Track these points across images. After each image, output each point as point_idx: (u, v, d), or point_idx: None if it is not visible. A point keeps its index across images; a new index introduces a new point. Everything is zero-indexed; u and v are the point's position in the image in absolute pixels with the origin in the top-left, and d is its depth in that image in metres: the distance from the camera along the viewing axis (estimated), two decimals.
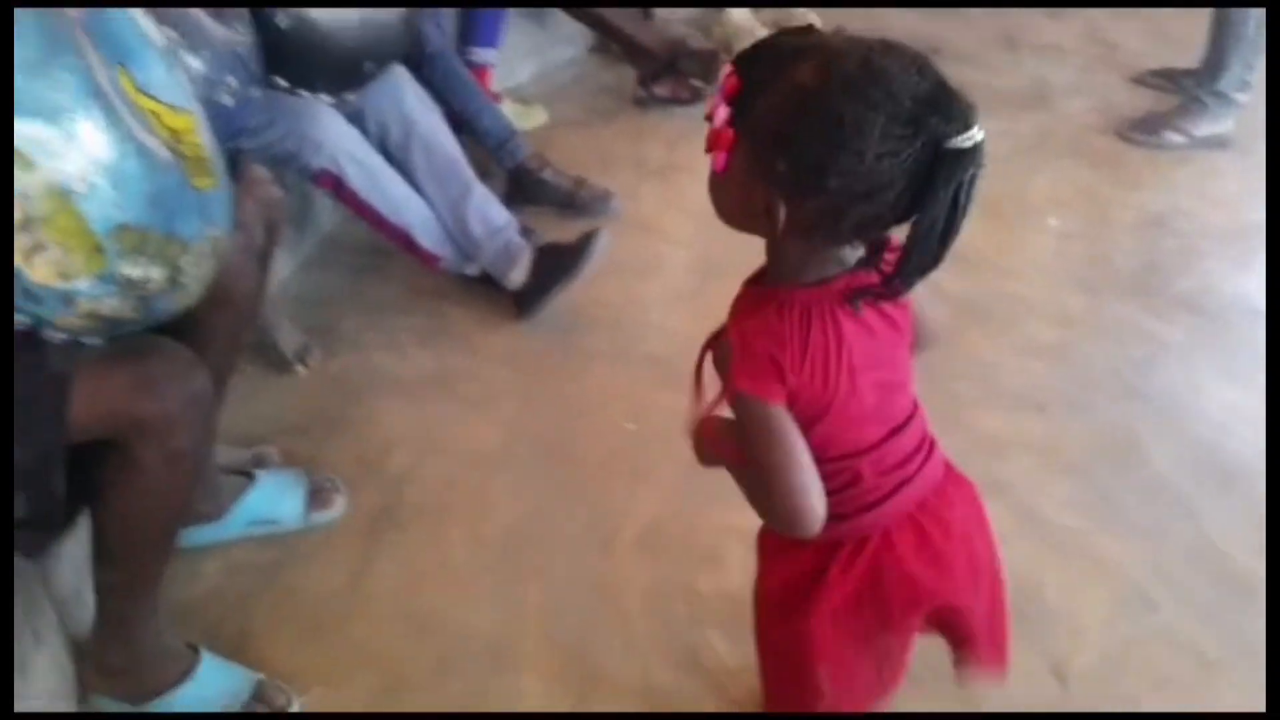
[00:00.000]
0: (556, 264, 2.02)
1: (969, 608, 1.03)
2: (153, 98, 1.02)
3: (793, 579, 1.02)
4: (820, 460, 0.93)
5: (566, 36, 3.15)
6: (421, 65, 2.31)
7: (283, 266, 2.24)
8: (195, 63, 1.37)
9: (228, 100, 1.43)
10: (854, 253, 0.92)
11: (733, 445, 0.99)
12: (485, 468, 1.75)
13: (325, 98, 1.83)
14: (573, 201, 2.41)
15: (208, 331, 1.36)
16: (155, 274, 0.99)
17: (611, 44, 3.01)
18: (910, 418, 1.00)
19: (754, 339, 0.91)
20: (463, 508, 1.68)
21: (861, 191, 0.81)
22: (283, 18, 1.64)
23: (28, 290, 0.93)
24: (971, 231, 2.43)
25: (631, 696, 1.39)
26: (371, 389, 1.94)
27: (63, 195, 0.89)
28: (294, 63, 1.71)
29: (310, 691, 1.38)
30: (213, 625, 1.47)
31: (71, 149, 0.89)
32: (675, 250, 2.35)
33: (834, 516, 0.95)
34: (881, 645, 1.04)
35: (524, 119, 2.85)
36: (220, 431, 1.74)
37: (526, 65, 3.13)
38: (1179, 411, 1.88)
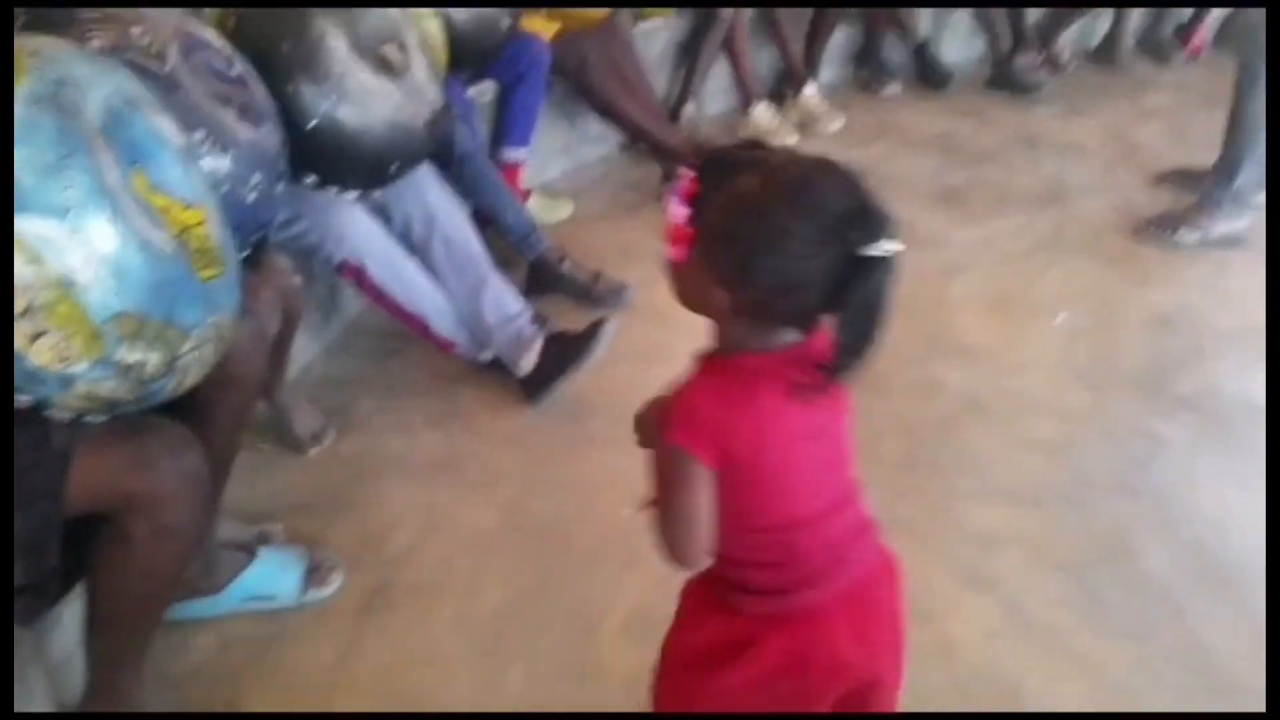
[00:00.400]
0: (564, 352, 2.09)
1: (889, 683, 1.09)
2: (165, 195, 1.12)
3: (719, 642, 1.06)
4: (757, 530, 1.01)
5: (597, 136, 3.29)
6: (451, 165, 2.44)
7: (307, 350, 2.34)
8: (222, 161, 1.49)
9: (251, 197, 1.54)
10: (794, 333, 0.99)
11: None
12: (480, 549, 1.80)
13: (350, 194, 1.95)
14: (589, 293, 2.49)
15: (212, 411, 1.45)
16: (153, 358, 1.08)
17: (639, 143, 3.14)
18: (850, 496, 1.07)
19: (696, 401, 0.99)
20: (455, 588, 1.72)
21: (785, 287, 0.93)
22: (311, 119, 1.77)
23: (30, 373, 1.02)
24: (978, 326, 2.48)
25: None
26: (379, 470, 2.01)
27: (65, 286, 0.98)
28: (322, 162, 1.84)
29: None
30: (204, 697, 1.52)
31: (76, 243, 0.98)
32: (683, 340, 2.34)
33: (770, 591, 1.02)
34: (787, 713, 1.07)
35: (550, 212, 2.97)
36: (228, 507, 1.83)
37: (557, 162, 3.26)
38: (1176, 511, 1.87)
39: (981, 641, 1.63)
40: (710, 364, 1.03)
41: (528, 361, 2.11)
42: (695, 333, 2.45)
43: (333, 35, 1.76)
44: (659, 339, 2.40)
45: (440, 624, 1.66)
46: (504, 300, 2.12)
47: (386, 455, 2.05)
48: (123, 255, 1.02)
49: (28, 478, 1.12)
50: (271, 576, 1.68)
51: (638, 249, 2.81)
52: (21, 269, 0.96)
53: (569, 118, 3.21)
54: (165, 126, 1.15)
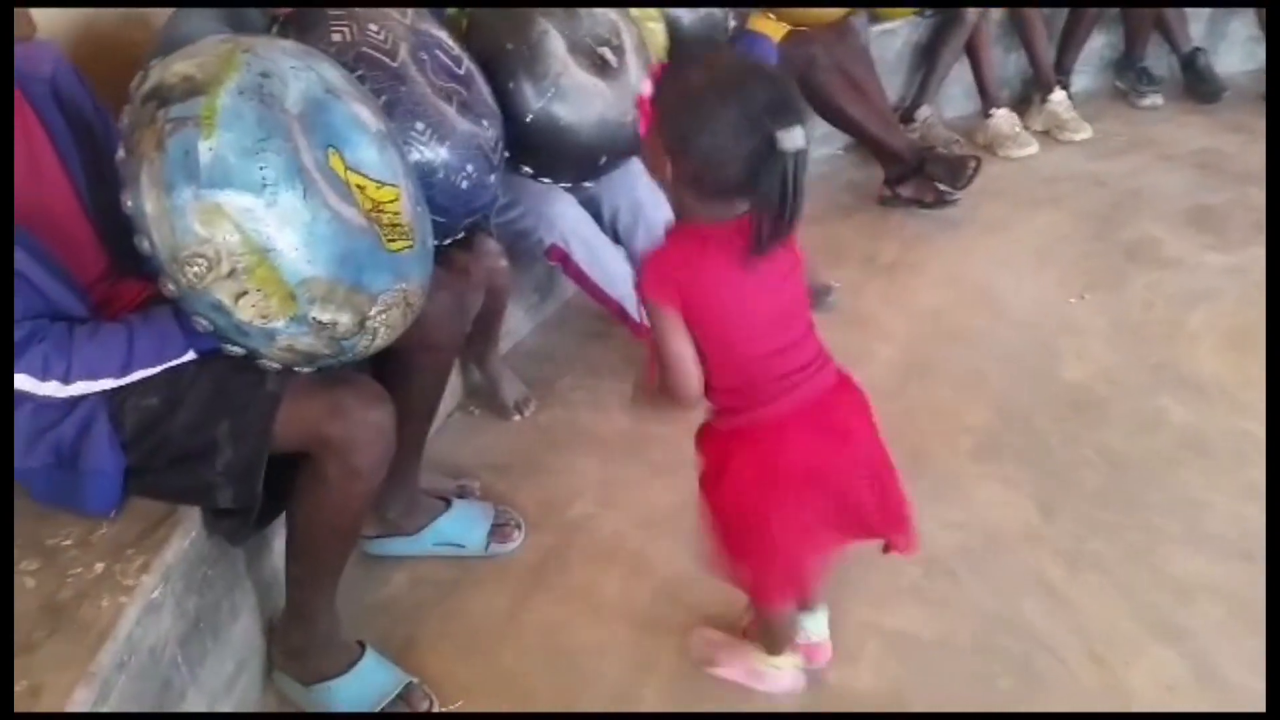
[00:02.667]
0: None
1: (859, 500, 1.31)
2: (360, 174, 1.26)
3: (714, 463, 1.33)
4: (721, 361, 1.25)
5: (822, 135, 3.26)
6: None
7: (521, 325, 2.51)
8: (439, 151, 1.64)
9: (464, 185, 1.69)
10: (740, 206, 1.18)
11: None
12: (652, 528, 1.87)
13: (564, 185, 2.07)
14: None
15: (412, 371, 1.61)
16: (343, 318, 1.22)
17: (864, 145, 3.10)
18: (802, 338, 1.29)
19: (659, 260, 1.23)
20: (623, 561, 1.81)
21: (712, 161, 1.14)
22: (528, 113, 1.90)
23: (238, 327, 1.18)
24: (1214, 359, 2.32)
25: None
26: (572, 442, 2.13)
27: (262, 251, 1.13)
28: (537, 154, 1.97)
29: (453, 702, 1.55)
30: (387, 628, 1.69)
31: (271, 215, 1.13)
32: (884, 347, 2.37)
33: (737, 409, 1.28)
34: (786, 518, 1.29)
35: None
36: (436, 460, 2.02)
37: None
38: None
39: (1160, 695, 1.52)
40: (672, 232, 1.26)
41: None
42: (895, 339, 2.44)
43: (553, 36, 1.88)
44: (857, 344, 2.39)
45: (606, 592, 1.75)
46: None
47: (580, 429, 2.17)
48: (313, 226, 1.16)
49: (244, 414, 1.30)
50: (462, 526, 1.83)
51: (847, 251, 2.79)
52: (226, 236, 1.12)
53: None
54: (363, 114, 1.29)
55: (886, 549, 1.39)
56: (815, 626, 1.57)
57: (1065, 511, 1.86)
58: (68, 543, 1.33)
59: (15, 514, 1.34)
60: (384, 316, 1.27)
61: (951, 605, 1.68)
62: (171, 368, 1.29)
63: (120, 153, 1.18)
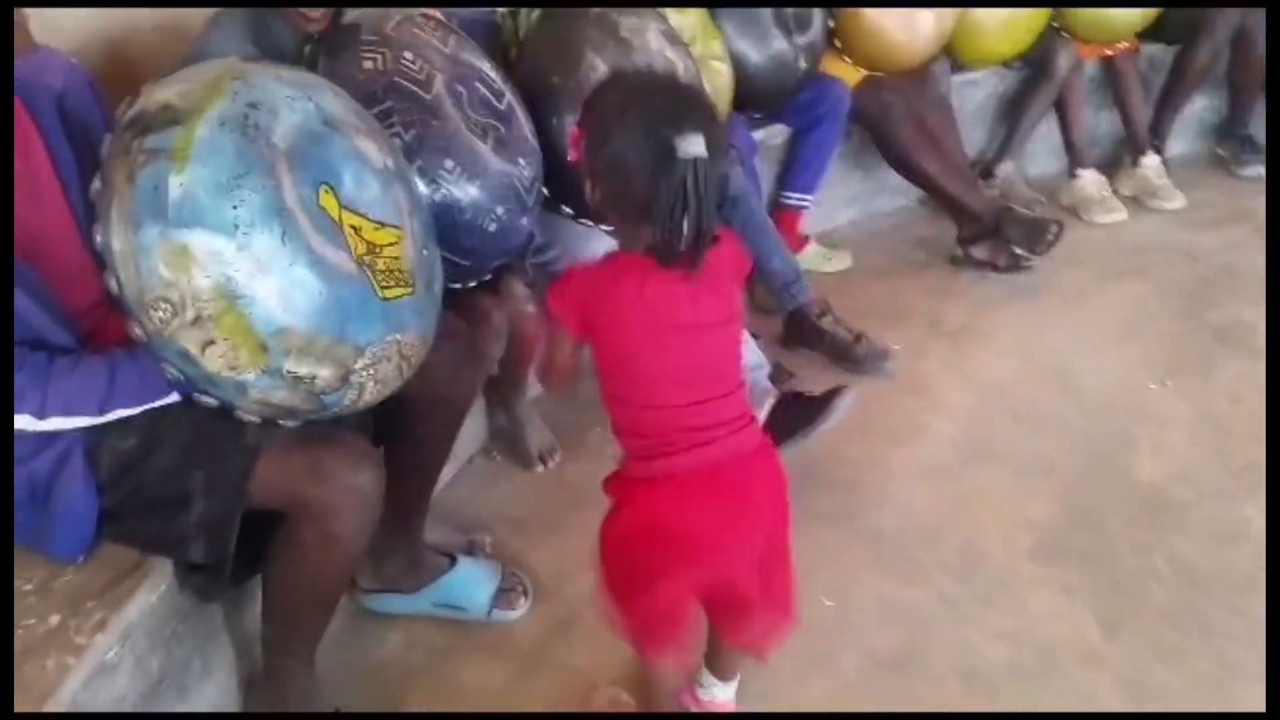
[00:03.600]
0: (796, 415, 1.97)
1: (736, 578, 1.23)
2: (357, 213, 1.16)
3: (615, 499, 1.30)
4: (619, 400, 1.23)
5: (895, 187, 3.10)
6: (723, 205, 2.40)
7: None
8: (469, 190, 1.54)
9: (493, 227, 1.58)
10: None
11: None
12: None
13: (605, 228, 1.96)
14: (847, 354, 2.35)
15: (417, 426, 1.51)
16: (324, 373, 1.11)
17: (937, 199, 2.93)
18: (728, 394, 1.22)
19: (572, 278, 1.21)
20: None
21: (619, 177, 1.13)
22: (571, 152, 1.79)
23: (207, 377, 1.08)
24: None
25: None
26: (595, 502, 1.96)
27: (230, 298, 1.03)
28: (578, 194, 1.85)
29: None
30: (374, 694, 1.58)
31: (243, 259, 1.02)
32: (943, 422, 2.20)
33: (637, 456, 1.24)
34: (651, 586, 1.22)
35: (827, 262, 2.85)
36: (448, 508, 1.91)
37: (845, 211, 3.13)
38: None
39: None
40: (601, 258, 1.23)
41: (759, 416, 2.01)
42: (955, 414, 2.26)
43: (603, 72, 1.76)
44: (913, 415, 2.23)
45: (610, 678, 1.61)
46: (744, 350, 2.03)
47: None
48: (291, 272, 1.05)
49: (219, 465, 1.20)
50: (465, 588, 1.71)
51: (912, 312, 2.62)
52: (192, 280, 1.02)
53: (864, 167, 3.06)
54: (367, 148, 1.19)
55: (721, 634, 1.37)
56: (723, 694, 1.48)
57: (1129, 630, 1.67)
58: (28, 587, 1.24)
59: None
60: (372, 371, 1.16)
61: None
62: (153, 409, 1.20)
63: (95, 183, 1.09)
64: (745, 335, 2.10)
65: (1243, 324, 2.52)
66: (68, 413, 1.17)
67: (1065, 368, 2.39)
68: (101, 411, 1.18)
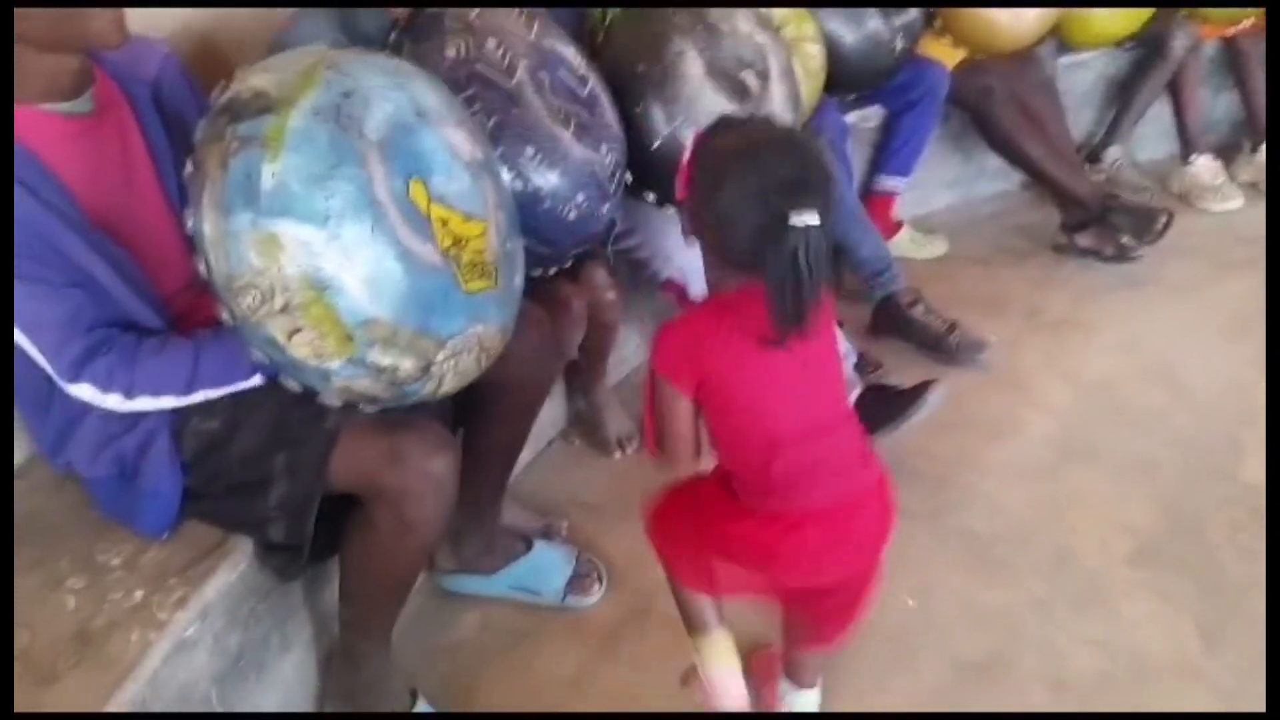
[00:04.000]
0: (883, 407, 1.92)
1: (820, 605, 1.27)
2: (446, 206, 1.15)
3: (714, 503, 1.25)
4: (740, 445, 1.20)
5: (995, 171, 2.99)
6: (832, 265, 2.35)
7: (639, 354, 2.38)
8: (549, 178, 1.53)
9: (572, 215, 1.57)
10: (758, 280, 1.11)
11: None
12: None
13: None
14: (939, 345, 2.28)
15: (494, 411, 1.51)
16: (405, 364, 1.11)
17: (1041, 185, 2.81)
18: (836, 423, 1.21)
19: (677, 332, 1.19)
20: None
21: (721, 227, 1.12)
22: (656, 140, 1.76)
23: (293, 363, 1.09)
24: None
25: None
26: None
27: (318, 288, 1.03)
28: (662, 181, 1.83)
29: None
30: (449, 673, 1.60)
31: (332, 249, 1.02)
32: (1040, 418, 2.11)
33: (755, 493, 1.21)
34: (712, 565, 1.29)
35: (921, 248, 2.77)
36: (526, 493, 1.92)
37: (943, 195, 3.03)
38: None
39: None
40: (700, 303, 1.24)
41: None
42: (1053, 410, 2.18)
43: (689, 58, 1.73)
44: (1008, 409, 2.15)
45: (682, 662, 1.59)
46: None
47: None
48: (379, 265, 1.05)
49: (300, 449, 1.22)
50: (540, 572, 1.72)
51: (1010, 302, 2.53)
52: (282, 269, 1.02)
53: (964, 150, 2.96)
54: (458, 140, 1.18)
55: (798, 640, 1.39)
56: (804, 701, 1.45)
57: (1230, 642, 1.58)
58: (116, 561, 1.29)
59: (80, 524, 1.32)
60: (452, 363, 1.16)
61: None
62: (237, 392, 1.22)
63: (188, 167, 1.11)
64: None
65: None
66: (155, 393, 1.20)
67: (1171, 364, 2.27)
68: (187, 393, 1.21)
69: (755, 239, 1.07)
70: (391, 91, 1.15)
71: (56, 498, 1.39)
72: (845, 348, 2.03)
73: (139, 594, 1.23)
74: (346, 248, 1.04)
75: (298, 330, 1.06)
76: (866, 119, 2.68)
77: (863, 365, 2.07)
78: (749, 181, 1.08)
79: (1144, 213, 2.57)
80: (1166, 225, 2.52)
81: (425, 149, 1.14)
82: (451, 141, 1.18)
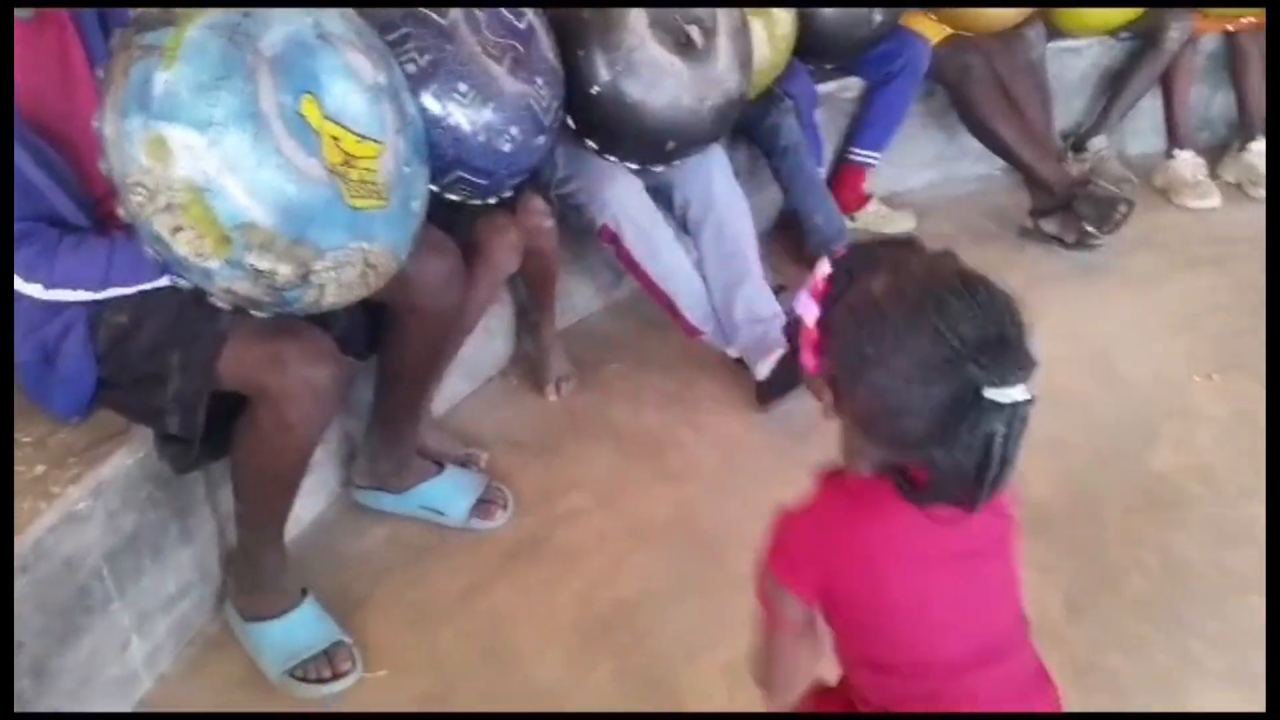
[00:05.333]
0: (798, 372, 1.97)
1: None
2: (339, 124, 1.21)
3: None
4: (884, 669, 0.91)
5: (978, 153, 2.98)
6: (773, 155, 2.39)
7: (591, 304, 2.46)
8: (482, 113, 1.59)
9: (507, 147, 1.64)
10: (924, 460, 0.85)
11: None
12: (638, 537, 1.78)
13: (630, 165, 1.98)
14: None
15: (400, 334, 1.59)
16: (283, 270, 1.19)
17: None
18: (1015, 641, 0.93)
19: (801, 527, 0.90)
20: (595, 566, 1.73)
21: (888, 409, 0.82)
22: (596, 85, 1.82)
23: (178, 260, 1.17)
24: None
25: None
26: (594, 431, 2.06)
27: (198, 189, 1.11)
28: (601, 128, 1.90)
29: (377, 672, 1.53)
30: (349, 581, 1.69)
31: (213, 154, 1.10)
32: None
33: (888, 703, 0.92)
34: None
35: (887, 223, 2.80)
36: (455, 423, 2.00)
37: (923, 174, 3.06)
38: None
39: None
40: (825, 481, 0.93)
41: (765, 367, 2.03)
42: None
43: (635, 10, 1.78)
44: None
45: (566, 593, 1.68)
46: (758, 301, 2.04)
47: (606, 420, 2.10)
48: (258, 173, 1.12)
49: (192, 346, 1.31)
50: (447, 495, 1.81)
51: None
52: (167, 169, 1.10)
53: (947, 129, 2.97)
54: (359, 63, 1.24)
55: None
56: None
57: (1094, 615, 1.63)
58: (27, 440, 1.39)
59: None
60: (333, 274, 1.23)
61: None
62: (144, 290, 1.31)
63: (100, 73, 1.19)
64: (766, 287, 2.12)
65: None
66: (71, 286, 1.29)
67: (1110, 352, 2.30)
68: (100, 288, 1.30)
69: (937, 418, 0.80)
70: (296, 16, 1.22)
71: None
72: (775, 309, 2.08)
73: (40, 469, 1.33)
74: (227, 154, 1.11)
75: (180, 228, 1.14)
76: (846, 88, 2.71)
77: (791, 330, 2.12)
78: (927, 349, 0.79)
79: (1106, 201, 2.58)
80: (1125, 216, 2.53)
81: (322, 69, 1.21)
82: (352, 64, 1.25)
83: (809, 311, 0.88)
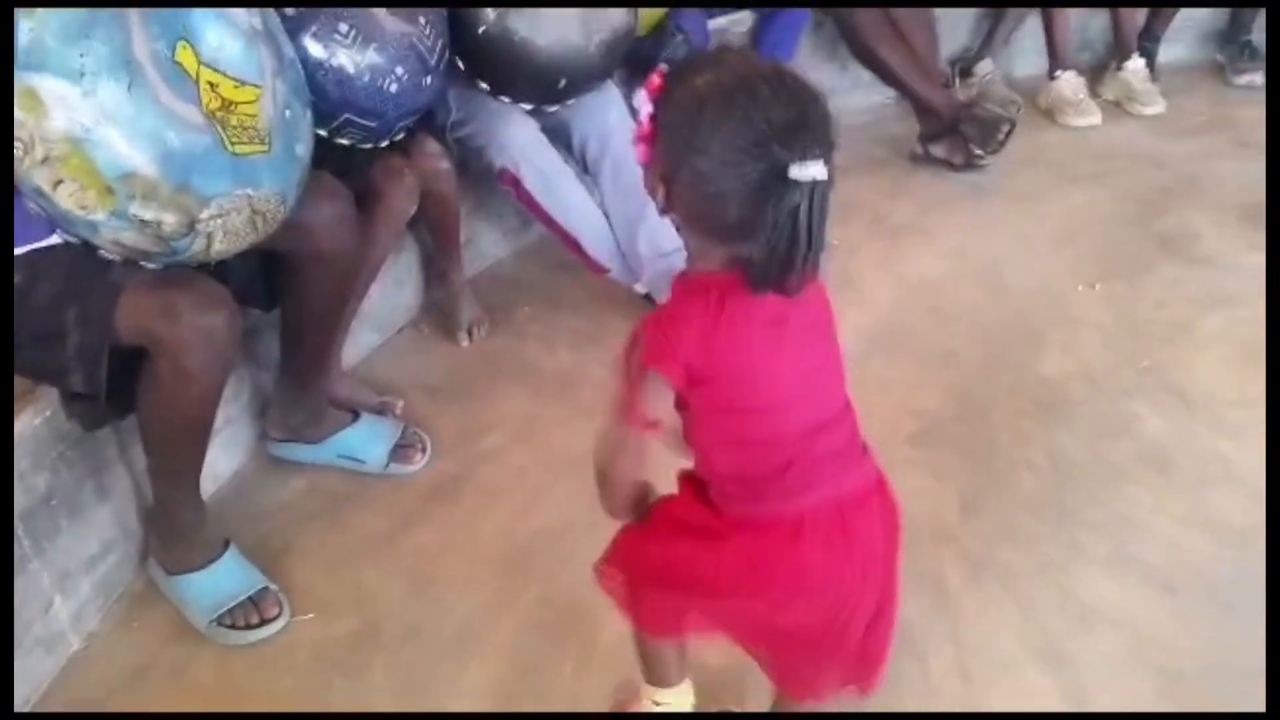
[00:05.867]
0: None
1: (841, 638, 1.07)
2: (216, 70, 1.21)
3: (695, 523, 1.07)
4: (747, 443, 1.02)
5: (870, 82, 3.05)
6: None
7: (498, 249, 2.48)
8: (365, 54, 1.60)
9: (393, 88, 1.64)
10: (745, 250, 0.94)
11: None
12: (555, 470, 1.82)
13: (524, 106, 2.00)
14: None
15: (299, 280, 1.59)
16: (169, 219, 1.19)
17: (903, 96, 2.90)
18: (840, 413, 1.05)
19: (666, 322, 0.98)
20: (516, 500, 1.77)
21: (708, 194, 0.91)
22: (483, 25, 1.82)
23: (62, 214, 1.17)
24: (1212, 372, 2.10)
25: None
26: (509, 373, 2.10)
27: (75, 141, 1.10)
28: (492, 69, 1.90)
29: (304, 615, 1.56)
30: (270, 531, 1.71)
31: (88, 104, 1.10)
32: (858, 312, 2.24)
33: (749, 499, 1.03)
34: (725, 613, 1.12)
35: None
36: (368, 373, 2.02)
37: None
38: None
39: None
40: (679, 284, 1.01)
41: None
42: (874, 307, 2.30)
43: None
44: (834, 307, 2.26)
45: (489, 527, 1.72)
46: (660, 235, 2.08)
47: (521, 361, 2.13)
48: (136, 122, 1.12)
49: (88, 301, 1.30)
50: (364, 442, 1.83)
51: (858, 209, 2.64)
52: (40, 121, 1.09)
53: (840, 61, 3.03)
54: (232, 9, 1.24)
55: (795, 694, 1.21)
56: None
57: (987, 514, 1.73)
58: None
59: None
60: (220, 221, 1.24)
61: None
62: (35, 248, 1.30)
63: None
64: (668, 224, 2.15)
65: (1189, 232, 2.50)
66: None
67: (998, 268, 2.40)
68: None
69: (749, 202, 0.88)
70: None
71: None
72: (676, 244, 2.12)
73: None
74: (103, 104, 1.11)
75: (60, 181, 1.13)
76: (737, 23, 2.75)
77: None
78: (741, 130, 0.87)
79: (990, 122, 2.67)
80: (1008, 135, 2.63)
81: (193, 15, 1.20)
82: (225, 9, 1.25)
83: (645, 108, 0.96)
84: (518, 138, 1.99)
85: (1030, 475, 1.81)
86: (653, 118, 0.95)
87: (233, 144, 1.22)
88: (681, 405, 1.02)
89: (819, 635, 1.07)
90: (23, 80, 1.10)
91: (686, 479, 1.12)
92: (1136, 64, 3.09)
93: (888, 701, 1.42)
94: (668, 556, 1.10)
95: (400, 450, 1.83)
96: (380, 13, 1.60)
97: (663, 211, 0.97)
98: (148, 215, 1.18)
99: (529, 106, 2.00)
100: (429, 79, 1.70)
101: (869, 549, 1.05)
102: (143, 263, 1.28)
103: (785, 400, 1.00)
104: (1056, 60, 3.08)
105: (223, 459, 1.77)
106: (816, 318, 1.02)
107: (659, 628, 1.22)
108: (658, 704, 1.31)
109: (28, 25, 1.10)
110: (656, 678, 1.29)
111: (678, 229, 0.99)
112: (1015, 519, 1.72)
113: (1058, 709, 1.42)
